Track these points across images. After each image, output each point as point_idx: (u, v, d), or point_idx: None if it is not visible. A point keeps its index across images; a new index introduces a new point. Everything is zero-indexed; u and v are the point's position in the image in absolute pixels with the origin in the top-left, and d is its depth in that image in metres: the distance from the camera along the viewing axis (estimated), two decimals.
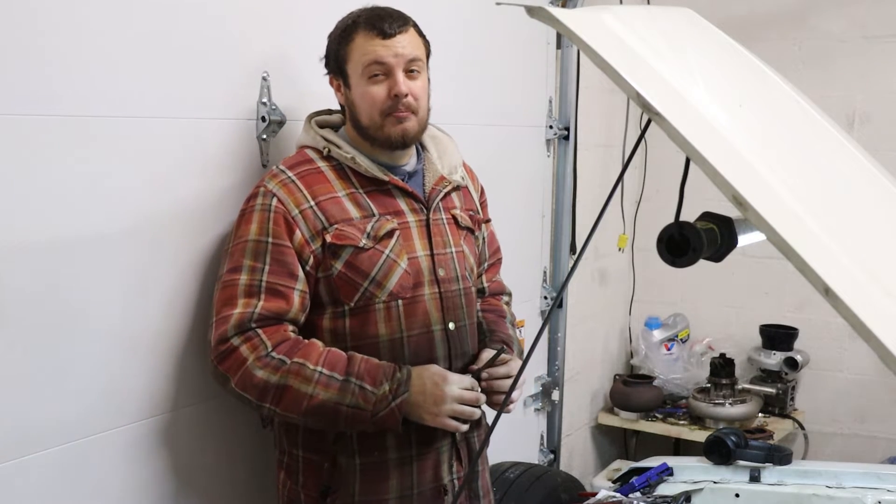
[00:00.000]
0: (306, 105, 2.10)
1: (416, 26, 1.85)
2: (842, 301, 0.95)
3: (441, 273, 1.88)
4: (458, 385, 1.79)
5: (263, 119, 2.00)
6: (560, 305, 3.34)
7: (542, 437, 3.40)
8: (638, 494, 2.38)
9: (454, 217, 1.95)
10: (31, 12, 1.57)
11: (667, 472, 2.50)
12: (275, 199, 1.77)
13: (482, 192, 2.12)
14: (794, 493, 2.35)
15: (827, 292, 0.96)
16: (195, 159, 1.88)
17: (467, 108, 2.65)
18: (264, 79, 2.00)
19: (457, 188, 1.98)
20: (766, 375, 3.61)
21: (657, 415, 3.60)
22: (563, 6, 3.12)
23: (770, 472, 2.40)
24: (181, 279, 1.88)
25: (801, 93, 1.47)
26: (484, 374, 1.87)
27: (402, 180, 1.87)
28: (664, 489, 2.41)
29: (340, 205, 1.80)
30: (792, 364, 3.54)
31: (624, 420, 3.65)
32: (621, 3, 3.26)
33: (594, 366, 3.75)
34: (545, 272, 3.32)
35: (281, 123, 2.03)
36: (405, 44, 1.80)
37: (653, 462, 2.61)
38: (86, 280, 1.70)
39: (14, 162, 1.56)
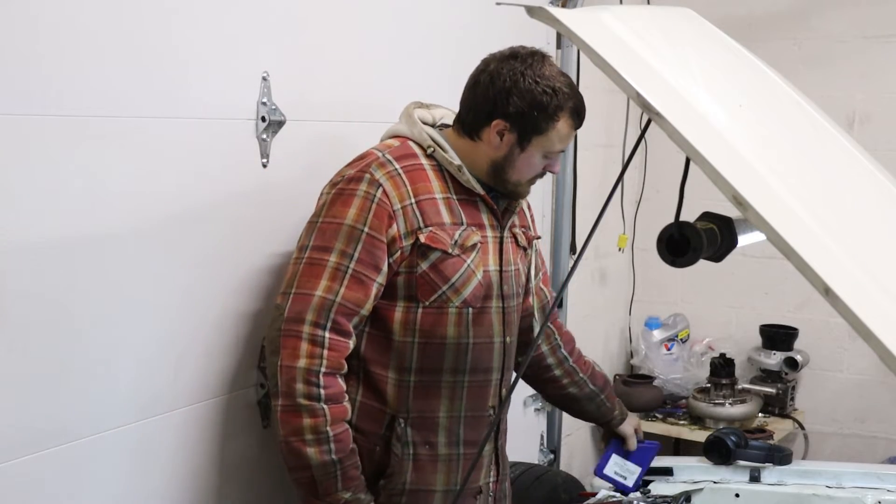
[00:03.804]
0: (306, 105, 2.11)
1: None
2: (842, 301, 0.95)
3: (505, 289, 1.96)
4: None
5: (263, 119, 2.00)
6: (560, 305, 3.33)
7: (542, 437, 3.40)
8: (638, 494, 2.37)
9: (514, 236, 2.03)
10: (30, 12, 1.57)
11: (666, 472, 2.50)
12: (380, 190, 1.81)
13: (529, 207, 2.18)
14: (794, 493, 2.35)
15: (827, 292, 0.96)
16: (195, 159, 1.88)
17: None
18: (264, 79, 2.00)
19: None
20: (766, 375, 3.61)
21: (657, 415, 3.60)
22: (563, 6, 3.12)
23: (770, 472, 2.40)
24: (181, 278, 1.87)
25: (801, 93, 1.47)
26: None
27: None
28: (664, 489, 2.41)
29: (436, 207, 1.86)
30: (792, 364, 3.54)
31: None
32: (621, 3, 3.26)
33: None
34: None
35: (281, 123, 2.03)
36: None
37: (653, 462, 2.61)
38: (85, 280, 1.70)
39: (14, 162, 1.56)
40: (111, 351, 1.76)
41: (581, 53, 3.02)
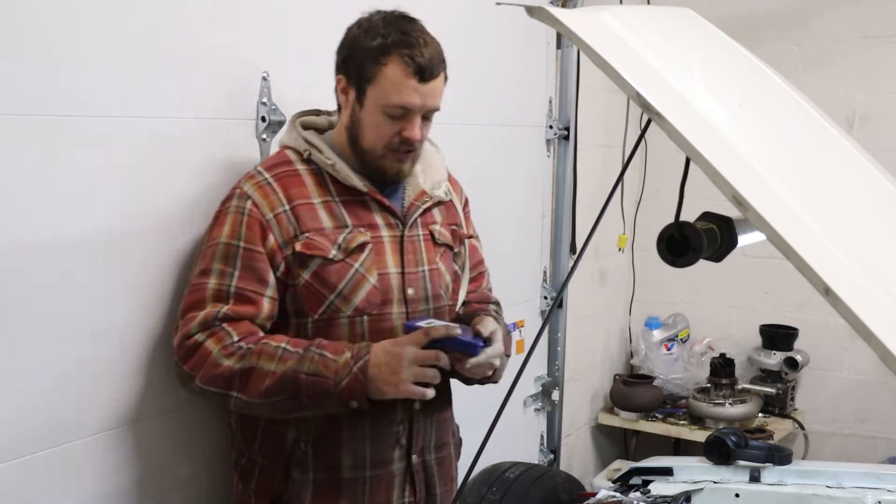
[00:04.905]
0: (306, 105, 2.10)
1: (445, 67, 1.77)
2: (842, 301, 0.95)
3: (410, 293, 1.82)
4: (413, 346, 1.68)
5: (263, 119, 2.00)
6: (560, 305, 3.33)
7: (542, 437, 3.40)
8: (638, 494, 2.37)
9: (431, 233, 1.88)
10: (31, 13, 1.57)
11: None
12: (249, 202, 1.74)
13: (466, 204, 2.05)
14: (794, 493, 2.34)
15: (827, 292, 0.96)
16: (195, 159, 1.88)
17: (467, 108, 2.65)
18: (264, 79, 2.00)
19: (439, 203, 1.91)
20: (766, 375, 3.61)
21: (657, 415, 3.60)
22: (563, 6, 3.12)
23: (770, 472, 2.39)
24: (182, 280, 1.87)
25: (801, 93, 1.47)
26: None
27: (381, 193, 1.81)
28: (664, 489, 2.40)
29: (314, 212, 1.76)
30: (792, 364, 3.54)
31: (624, 420, 3.65)
32: (621, 3, 3.26)
33: (594, 366, 3.75)
34: (545, 272, 3.32)
35: (281, 123, 2.03)
36: (435, 92, 1.74)
37: (653, 462, 2.61)
38: (86, 280, 1.70)
39: (14, 162, 1.56)
40: (111, 351, 1.76)
41: (581, 53, 3.02)
